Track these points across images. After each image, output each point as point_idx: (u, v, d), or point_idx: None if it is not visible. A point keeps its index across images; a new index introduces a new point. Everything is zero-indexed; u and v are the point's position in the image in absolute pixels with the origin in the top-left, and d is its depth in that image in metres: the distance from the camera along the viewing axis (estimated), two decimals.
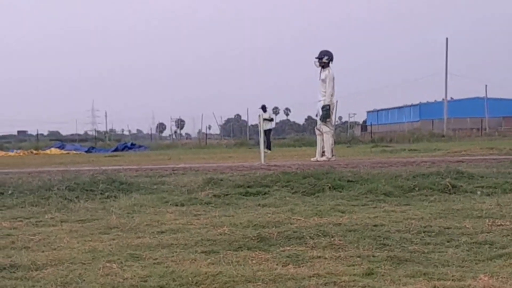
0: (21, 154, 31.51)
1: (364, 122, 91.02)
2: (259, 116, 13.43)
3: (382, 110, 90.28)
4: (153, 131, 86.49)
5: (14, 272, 3.34)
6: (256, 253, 3.67)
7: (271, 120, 26.96)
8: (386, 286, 2.95)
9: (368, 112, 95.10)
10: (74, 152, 33.71)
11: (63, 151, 33.92)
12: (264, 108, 26.83)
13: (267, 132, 26.58)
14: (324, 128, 13.42)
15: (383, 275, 3.09)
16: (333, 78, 13.44)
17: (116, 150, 35.52)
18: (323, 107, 13.40)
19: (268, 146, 26.25)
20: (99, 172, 8.23)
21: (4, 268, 3.40)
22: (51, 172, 9.96)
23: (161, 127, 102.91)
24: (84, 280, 3.14)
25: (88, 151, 35.11)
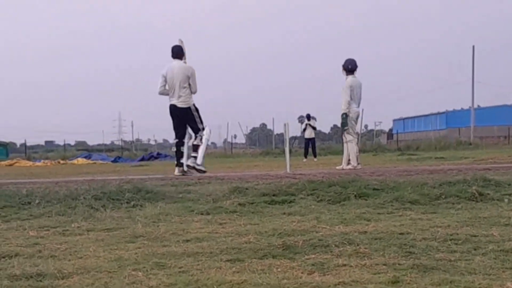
0: (48, 164, 31.82)
1: (390, 130, 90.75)
2: (285, 125, 13.40)
3: (408, 118, 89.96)
4: None
5: (40, 280, 3.36)
6: (281, 261, 3.66)
7: (314, 128, 27.36)
8: None
9: (394, 120, 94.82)
10: (101, 161, 33.98)
11: (89, 161, 34.18)
12: (308, 117, 27.12)
13: (312, 141, 26.92)
14: (348, 137, 13.43)
15: (409, 283, 3.07)
16: (350, 86, 13.45)
17: (142, 159, 35.70)
18: (341, 115, 13.49)
19: (314, 154, 26.56)
20: (125, 182, 8.26)
21: (31, 277, 3.43)
22: (78, 181, 10.03)
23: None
24: None
25: (114, 161, 35.35)
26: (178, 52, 12.10)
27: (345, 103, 13.38)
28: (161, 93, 12.06)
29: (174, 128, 12.20)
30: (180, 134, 12.16)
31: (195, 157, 11.98)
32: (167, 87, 12.03)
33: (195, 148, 12.02)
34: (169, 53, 12.05)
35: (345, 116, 13.42)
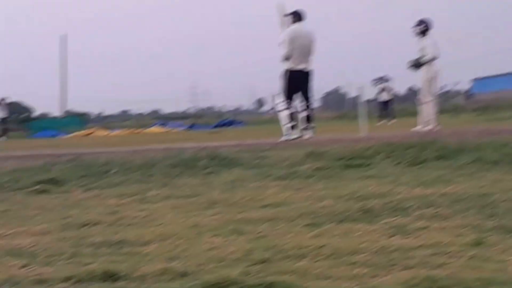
0: (125, 133, 32.29)
1: (469, 90, 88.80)
2: (359, 88, 13.24)
3: (487, 77, 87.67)
4: (253, 107, 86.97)
5: (121, 248, 3.41)
6: (360, 225, 3.62)
7: (389, 90, 27.11)
8: (496, 255, 2.85)
9: (473, 79, 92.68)
10: (176, 129, 34.31)
11: (164, 129, 34.57)
12: (384, 79, 26.92)
13: (387, 103, 26.67)
14: (426, 97, 13.18)
15: (492, 245, 2.99)
16: (433, 44, 13.16)
17: (216, 126, 35.90)
18: (419, 58, 13.19)
19: (391, 116, 26.27)
20: (200, 149, 8.31)
21: (113, 244, 3.48)
22: (154, 150, 10.15)
23: (260, 102, 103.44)
24: (189, 254, 3.17)
25: (189, 128, 35.68)
26: (304, 16, 11.98)
27: (430, 54, 13.08)
28: (287, 57, 11.83)
29: (294, 93, 12.02)
30: (295, 99, 12.08)
31: (313, 128, 11.97)
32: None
33: (310, 119, 11.99)
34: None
35: (420, 62, 13.17)
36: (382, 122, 25.46)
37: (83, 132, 33.53)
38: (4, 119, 29.49)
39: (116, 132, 33.91)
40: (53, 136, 31.71)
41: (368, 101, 27.62)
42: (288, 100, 11.89)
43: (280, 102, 12.18)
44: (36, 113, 50.73)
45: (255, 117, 54.93)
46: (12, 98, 29.86)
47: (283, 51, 11.69)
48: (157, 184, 5.94)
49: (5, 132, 29.23)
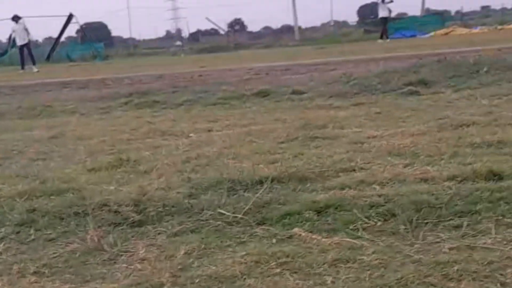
0: (486, 30, 31.24)
1: None
2: None
3: None
4: None
5: (502, 148, 3.45)
6: None
7: None
8: None
9: None
10: None
11: None
12: None
13: None
14: None
15: None
16: None
17: None
18: None
19: None
20: None
21: (491, 145, 3.53)
22: None
23: None
24: None
25: None
26: None
27: None
28: None
29: None
30: None
31: None
32: None
33: None
34: None
35: None
36: None
37: (442, 31, 32.97)
38: (385, 19, 29.18)
39: (477, 29, 32.90)
40: (411, 36, 31.69)
41: None
42: None
43: None
44: (393, 13, 51.03)
45: None
46: None
47: None
48: None
49: (384, 32, 29.04)
